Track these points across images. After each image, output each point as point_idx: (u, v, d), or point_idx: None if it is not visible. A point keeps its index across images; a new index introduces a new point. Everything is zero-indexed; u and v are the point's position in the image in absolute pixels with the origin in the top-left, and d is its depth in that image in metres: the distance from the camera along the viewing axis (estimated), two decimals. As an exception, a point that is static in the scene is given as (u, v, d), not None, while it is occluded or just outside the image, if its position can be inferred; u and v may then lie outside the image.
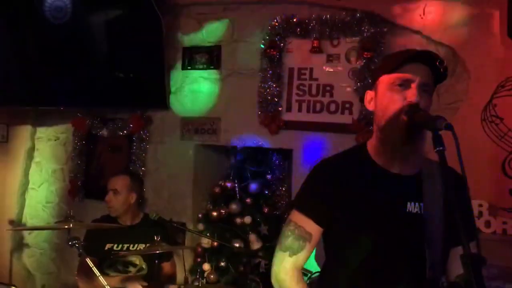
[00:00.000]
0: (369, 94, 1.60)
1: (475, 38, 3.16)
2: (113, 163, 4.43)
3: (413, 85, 1.45)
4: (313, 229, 1.57)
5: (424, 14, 3.30)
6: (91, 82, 4.20)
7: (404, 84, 1.46)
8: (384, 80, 1.51)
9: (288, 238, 1.59)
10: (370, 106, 1.59)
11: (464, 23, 3.20)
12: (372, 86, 1.59)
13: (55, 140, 4.79)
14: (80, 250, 2.49)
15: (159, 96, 4.15)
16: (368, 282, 1.50)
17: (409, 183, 1.51)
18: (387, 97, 1.49)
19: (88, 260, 2.46)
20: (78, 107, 4.50)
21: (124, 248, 3.14)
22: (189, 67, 4.15)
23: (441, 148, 1.27)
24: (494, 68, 3.10)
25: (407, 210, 1.49)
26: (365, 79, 3.40)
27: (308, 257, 1.60)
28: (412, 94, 1.45)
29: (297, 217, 1.59)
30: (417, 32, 3.32)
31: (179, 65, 4.18)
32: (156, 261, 2.83)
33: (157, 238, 2.69)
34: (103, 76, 4.18)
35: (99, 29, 4.10)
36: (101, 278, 2.43)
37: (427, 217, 1.47)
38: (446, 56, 3.18)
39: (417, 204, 1.49)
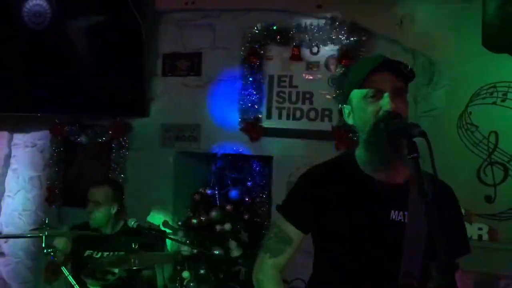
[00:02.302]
0: (346, 109, 1.62)
1: (451, 48, 3.23)
2: (92, 170, 4.37)
3: (386, 94, 1.48)
4: (295, 234, 1.60)
5: (401, 23, 3.36)
6: (70, 88, 4.15)
7: (376, 95, 1.48)
8: (356, 94, 1.54)
9: (270, 240, 1.64)
10: (350, 120, 1.61)
11: (440, 32, 3.27)
12: (346, 100, 1.61)
13: (32, 146, 4.71)
14: (55, 259, 2.44)
15: (139, 102, 4.13)
16: (351, 287, 1.51)
17: (394, 191, 1.52)
18: (363, 111, 1.51)
19: (63, 269, 2.42)
20: (56, 114, 4.44)
21: (104, 256, 3.10)
22: (169, 74, 4.14)
23: (415, 155, 1.29)
24: (470, 76, 3.17)
25: (391, 218, 1.50)
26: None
27: (288, 260, 1.63)
28: (386, 103, 1.47)
29: (281, 221, 1.64)
30: (395, 41, 3.37)
31: (159, 72, 4.17)
32: (133, 269, 2.79)
33: (135, 246, 2.66)
34: (82, 82, 4.14)
35: (78, 36, 4.07)
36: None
37: (410, 226, 1.48)
38: (423, 65, 3.24)
39: (401, 212, 1.50)
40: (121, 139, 4.22)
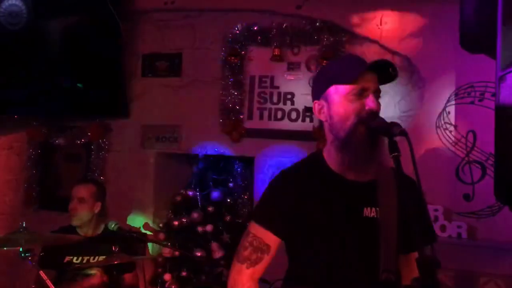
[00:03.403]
0: (318, 104, 1.60)
1: (429, 48, 3.27)
2: (71, 172, 4.31)
3: (370, 93, 1.49)
4: (272, 240, 1.57)
5: (381, 24, 3.39)
6: (48, 89, 4.07)
7: (361, 93, 1.49)
8: (338, 90, 1.52)
9: (246, 250, 1.57)
10: (321, 116, 1.59)
11: (419, 33, 3.31)
12: (320, 95, 1.59)
13: (9, 149, 4.61)
14: (33, 263, 2.39)
15: (119, 103, 4.08)
16: (328, 286, 1.51)
17: (365, 189, 1.54)
18: (344, 107, 1.50)
19: (41, 273, 2.36)
20: (33, 115, 4.36)
21: (84, 261, 3.04)
22: (149, 75, 4.11)
23: (396, 153, 1.31)
24: (448, 76, 3.21)
25: (364, 215, 1.52)
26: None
27: (265, 269, 1.59)
28: (371, 102, 1.48)
29: (256, 229, 1.59)
30: (375, 41, 3.40)
31: (139, 72, 4.13)
32: (115, 272, 2.75)
33: (115, 249, 2.62)
34: (60, 84, 4.07)
35: (56, 36, 4.00)
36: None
37: (383, 221, 1.50)
38: (402, 65, 3.28)
39: (373, 209, 1.52)
40: (100, 140, 4.18)
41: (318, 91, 1.60)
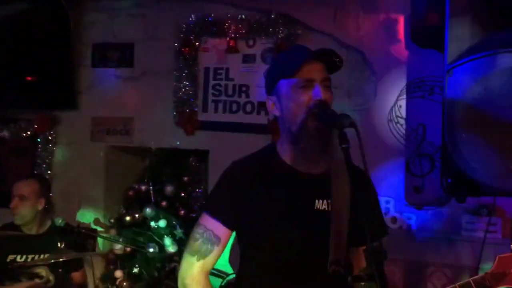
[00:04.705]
0: (270, 100, 1.59)
1: (382, 42, 3.32)
2: (16, 167, 4.16)
3: (316, 84, 1.48)
4: (222, 232, 1.56)
5: (335, 18, 3.41)
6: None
7: (307, 85, 1.48)
8: (285, 84, 1.51)
9: (197, 242, 1.56)
10: (275, 112, 1.58)
11: (372, 27, 3.34)
12: (271, 91, 1.58)
13: None
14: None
15: (67, 95, 3.95)
16: (280, 278, 1.51)
17: (318, 181, 1.54)
18: (293, 101, 1.49)
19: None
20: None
21: (29, 260, 2.92)
22: (100, 65, 3.98)
23: (346, 145, 1.30)
24: (400, 71, 3.27)
25: (315, 208, 1.52)
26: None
27: (216, 261, 1.59)
28: (318, 92, 1.47)
29: (207, 220, 1.58)
30: (329, 35, 3.42)
31: (88, 62, 4.00)
32: (60, 270, 2.65)
33: (60, 245, 2.52)
34: (4, 74, 3.88)
35: (0, 24, 3.80)
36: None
37: (334, 214, 1.51)
38: (355, 59, 3.31)
39: (325, 201, 1.53)
40: (47, 133, 4.05)
41: (270, 86, 1.59)
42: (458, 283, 1.35)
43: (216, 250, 1.55)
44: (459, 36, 1.80)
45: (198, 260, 1.55)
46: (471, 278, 1.35)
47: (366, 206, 1.27)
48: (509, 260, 1.35)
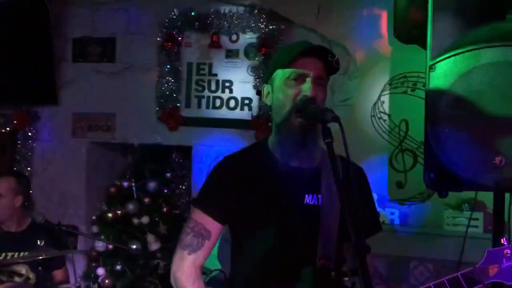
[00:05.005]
0: (266, 88, 1.60)
1: (365, 38, 3.33)
2: (-5, 163, 4.07)
3: (308, 79, 1.47)
4: (213, 226, 1.57)
5: (318, 13, 3.40)
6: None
7: (299, 78, 1.48)
8: (279, 74, 1.52)
9: (188, 236, 1.58)
10: (267, 101, 1.60)
11: (355, 23, 3.35)
12: (268, 79, 1.59)
13: None
14: None
15: (47, 90, 3.88)
16: (271, 272, 1.52)
17: (307, 175, 1.54)
18: (283, 92, 1.50)
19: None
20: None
21: (8, 257, 2.86)
22: (80, 60, 3.92)
23: (329, 140, 1.31)
24: (383, 66, 3.29)
25: (305, 202, 1.52)
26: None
27: (208, 255, 1.60)
28: (307, 88, 1.47)
29: (197, 215, 1.58)
30: (313, 30, 3.41)
31: (69, 57, 3.93)
32: (41, 268, 2.61)
33: (40, 243, 2.48)
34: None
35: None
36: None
37: (324, 208, 1.51)
38: (339, 54, 3.28)
39: (315, 196, 1.53)
40: (27, 129, 3.97)
41: (267, 74, 1.61)
42: (446, 277, 1.35)
43: (207, 244, 1.56)
44: (442, 32, 1.80)
45: (189, 254, 1.56)
46: (460, 272, 1.35)
47: (357, 201, 1.29)
48: (498, 254, 1.36)
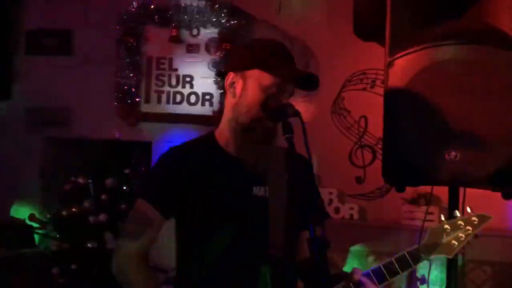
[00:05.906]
0: (233, 77, 1.50)
1: (326, 35, 3.36)
2: None
3: (286, 94, 1.48)
4: (153, 213, 1.51)
5: (279, 9, 3.40)
6: None
7: (278, 91, 1.46)
8: (261, 77, 1.46)
9: (129, 224, 1.57)
10: (230, 90, 1.51)
11: (316, 20, 3.37)
12: (239, 69, 1.49)
13: None
14: None
15: (0, 84, 3.71)
16: (220, 267, 1.48)
17: (256, 168, 1.53)
18: (258, 96, 1.45)
19: None
20: None
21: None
22: (34, 53, 3.77)
23: (289, 135, 1.30)
24: (343, 63, 3.32)
25: (253, 194, 1.52)
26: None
27: (151, 244, 1.53)
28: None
29: (139, 203, 1.54)
30: (274, 26, 3.41)
31: (22, 50, 3.79)
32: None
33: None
34: None
35: None
36: None
37: (272, 200, 1.51)
38: (299, 51, 3.32)
39: (262, 188, 1.52)
40: (-23, 125, 3.78)
41: (240, 64, 1.51)
42: (394, 256, 1.39)
43: (149, 231, 1.50)
44: (400, 29, 1.83)
45: (129, 241, 1.50)
46: (405, 250, 1.41)
47: (308, 192, 1.27)
48: (440, 230, 1.42)
